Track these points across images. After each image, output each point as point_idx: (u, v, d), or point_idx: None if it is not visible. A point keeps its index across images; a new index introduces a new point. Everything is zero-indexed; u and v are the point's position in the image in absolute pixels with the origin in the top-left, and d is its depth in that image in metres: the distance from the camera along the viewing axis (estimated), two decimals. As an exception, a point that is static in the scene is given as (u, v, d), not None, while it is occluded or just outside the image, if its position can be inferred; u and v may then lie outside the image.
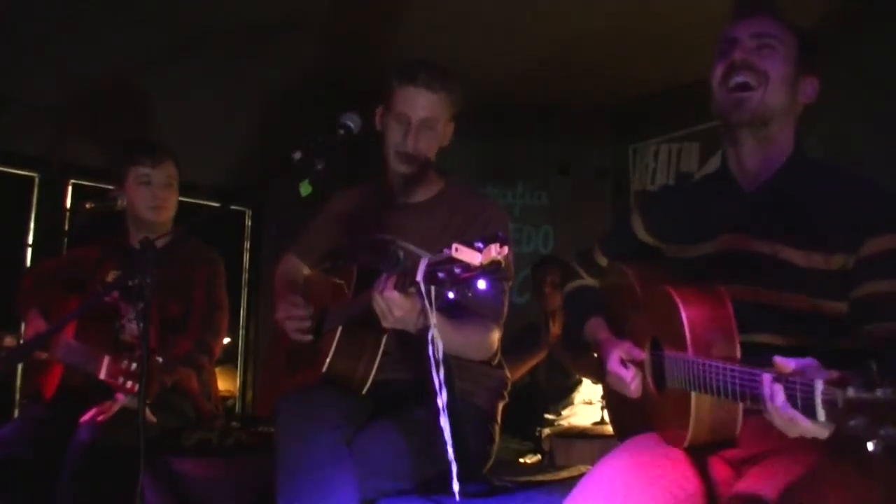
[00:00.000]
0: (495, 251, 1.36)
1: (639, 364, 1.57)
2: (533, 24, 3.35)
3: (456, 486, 1.50)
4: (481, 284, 1.37)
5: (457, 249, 1.36)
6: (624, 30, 3.33)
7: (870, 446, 0.90)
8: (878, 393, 0.90)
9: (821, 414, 0.99)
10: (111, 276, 2.64)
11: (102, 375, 2.21)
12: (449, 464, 1.57)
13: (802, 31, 1.56)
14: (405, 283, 1.61)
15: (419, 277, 1.45)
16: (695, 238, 1.62)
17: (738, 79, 1.49)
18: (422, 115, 2.00)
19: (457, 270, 1.38)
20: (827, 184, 1.48)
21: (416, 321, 1.71)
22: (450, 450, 1.48)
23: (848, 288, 1.39)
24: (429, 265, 1.45)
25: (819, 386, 0.99)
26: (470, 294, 1.40)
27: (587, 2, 3.19)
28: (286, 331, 2.05)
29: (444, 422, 1.48)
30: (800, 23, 1.56)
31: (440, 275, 1.41)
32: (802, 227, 1.45)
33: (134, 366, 2.17)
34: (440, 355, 1.51)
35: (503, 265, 1.37)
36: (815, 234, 1.42)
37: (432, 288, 1.46)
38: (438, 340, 1.52)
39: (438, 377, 1.49)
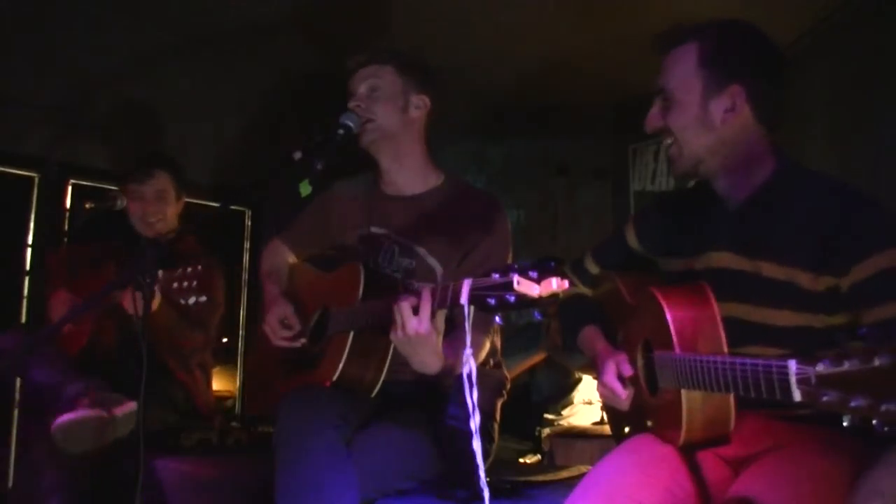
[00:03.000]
0: (557, 285, 1.31)
1: (633, 367, 1.57)
2: (533, 24, 3.35)
3: None
4: (536, 315, 1.35)
5: (518, 282, 1.32)
6: (624, 30, 3.33)
7: (844, 421, 0.91)
8: (846, 365, 0.91)
9: (796, 394, 1.00)
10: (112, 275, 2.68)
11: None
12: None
13: (706, 36, 1.53)
14: (435, 306, 1.58)
15: (464, 300, 1.42)
16: (682, 252, 1.62)
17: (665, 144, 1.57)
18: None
19: (510, 298, 1.33)
20: (811, 199, 1.43)
21: (434, 355, 1.69)
22: (482, 474, 1.40)
23: (837, 302, 1.36)
24: (476, 288, 1.40)
25: (793, 366, 1.00)
26: (516, 320, 1.37)
27: (587, 2, 3.19)
28: (269, 338, 2.05)
29: (477, 444, 1.40)
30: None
31: (490, 301, 1.36)
32: (784, 245, 1.42)
33: (190, 268, 2.04)
34: (475, 378, 1.41)
35: (561, 298, 1.34)
36: (798, 251, 1.40)
37: (472, 309, 1.42)
38: (472, 361, 1.42)
39: (472, 399, 1.40)
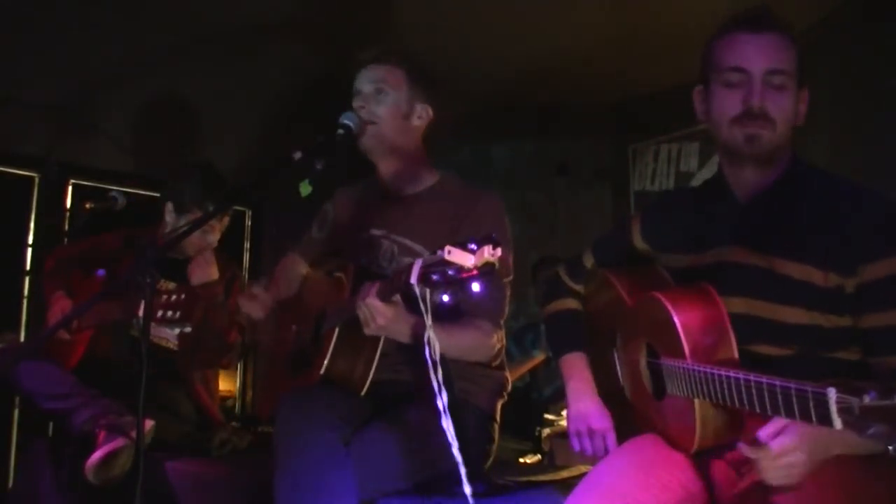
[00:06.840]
0: (488, 253, 1.33)
1: (635, 370, 1.56)
2: (533, 24, 3.35)
3: (467, 489, 1.44)
4: (475, 287, 1.34)
5: (449, 252, 1.34)
6: (624, 30, 3.33)
7: (890, 450, 0.90)
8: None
9: (837, 422, 0.97)
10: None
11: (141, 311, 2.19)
12: (456, 465, 1.56)
13: (796, 36, 1.49)
14: (390, 290, 1.60)
15: (413, 279, 1.43)
16: (689, 248, 1.59)
17: (752, 130, 1.43)
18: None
19: (450, 272, 1.35)
20: (824, 197, 1.42)
21: (401, 330, 1.71)
22: (455, 451, 1.42)
23: (845, 304, 1.35)
24: (422, 267, 1.42)
25: (832, 395, 0.98)
26: (464, 297, 1.38)
27: (587, 2, 3.19)
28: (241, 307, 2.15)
29: (447, 423, 1.42)
30: (800, 23, 1.53)
31: (434, 277, 1.39)
32: (797, 241, 1.41)
33: (174, 297, 2.03)
34: (437, 356, 1.46)
35: (497, 267, 1.35)
36: (811, 248, 1.38)
37: (427, 290, 1.43)
38: (435, 342, 1.47)
39: (437, 378, 1.44)
